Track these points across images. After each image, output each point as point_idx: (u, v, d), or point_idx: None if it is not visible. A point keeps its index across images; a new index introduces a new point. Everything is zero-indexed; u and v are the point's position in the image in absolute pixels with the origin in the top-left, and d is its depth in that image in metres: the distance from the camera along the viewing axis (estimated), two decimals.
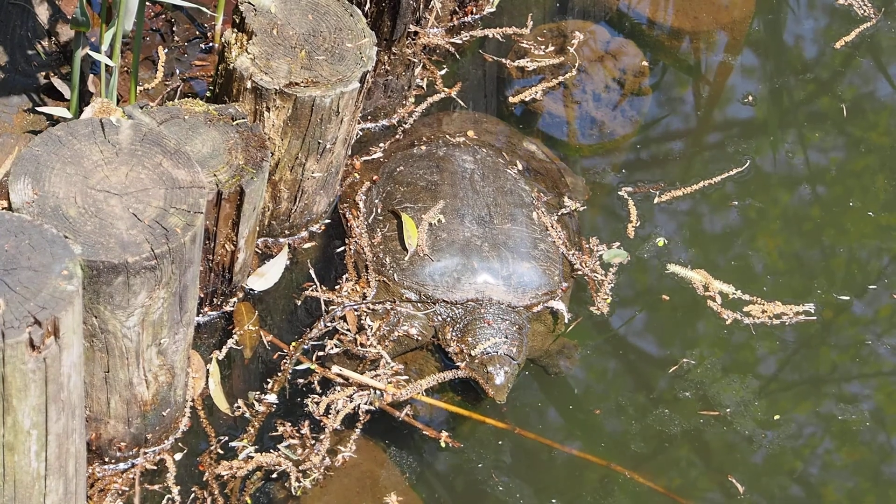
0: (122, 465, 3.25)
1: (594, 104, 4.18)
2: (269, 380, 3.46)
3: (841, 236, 4.03)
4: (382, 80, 3.93)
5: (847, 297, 3.87)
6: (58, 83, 3.63)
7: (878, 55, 4.51)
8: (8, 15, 3.70)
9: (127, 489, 3.23)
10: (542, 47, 4.25)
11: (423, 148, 3.85)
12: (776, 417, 3.62)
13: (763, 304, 3.76)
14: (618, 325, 3.74)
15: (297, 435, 3.37)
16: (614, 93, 4.21)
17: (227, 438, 3.36)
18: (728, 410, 3.59)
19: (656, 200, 3.98)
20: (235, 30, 3.43)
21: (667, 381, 3.64)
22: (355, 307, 3.55)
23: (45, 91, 3.65)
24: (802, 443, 3.61)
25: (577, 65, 4.20)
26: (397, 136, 3.94)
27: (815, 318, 3.77)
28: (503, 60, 4.21)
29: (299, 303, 3.60)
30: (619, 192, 3.98)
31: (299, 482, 3.31)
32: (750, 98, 4.31)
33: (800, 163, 4.19)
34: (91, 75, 3.68)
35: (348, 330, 3.52)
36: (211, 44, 3.97)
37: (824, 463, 3.61)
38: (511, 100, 4.14)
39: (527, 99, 4.14)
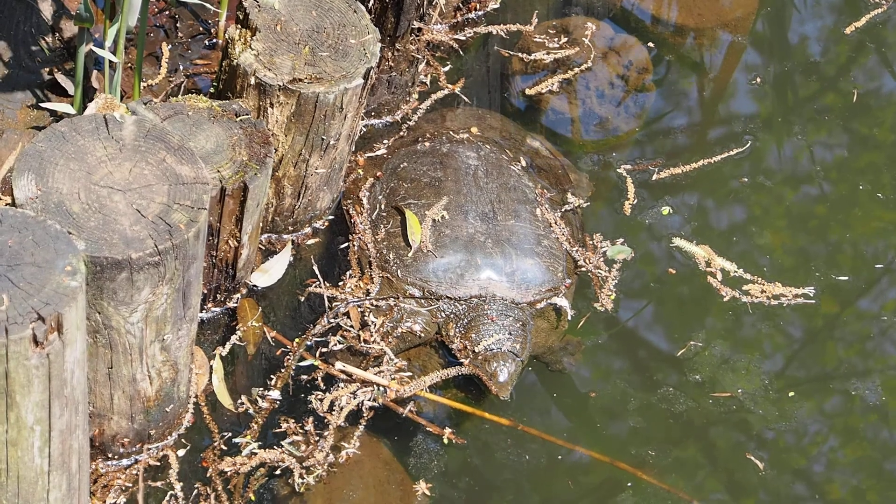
0: (125, 461, 3.25)
1: (598, 100, 4.18)
2: (272, 376, 3.46)
3: (845, 229, 4.03)
4: (386, 77, 3.93)
5: (846, 277, 3.88)
6: (61, 79, 3.63)
7: (886, 49, 4.50)
8: (12, 11, 3.70)
9: (130, 485, 3.23)
10: (555, 41, 4.24)
11: (427, 144, 3.84)
12: (790, 394, 3.62)
13: (763, 284, 3.77)
14: (622, 320, 3.73)
15: (301, 431, 3.37)
16: (618, 89, 4.21)
17: (230, 435, 3.36)
18: (740, 391, 3.60)
19: (654, 178, 3.99)
20: (239, 26, 3.43)
21: (672, 375, 3.64)
22: (359, 303, 3.55)
23: (49, 87, 3.65)
24: (812, 432, 3.61)
25: (591, 56, 4.20)
26: (401, 133, 3.94)
27: (813, 301, 3.78)
28: (519, 54, 4.21)
29: (303, 299, 3.60)
30: (618, 170, 3.99)
31: (303, 479, 3.31)
32: (758, 80, 4.31)
33: (805, 156, 4.19)
34: (95, 71, 3.68)
35: (352, 326, 3.52)
36: (214, 40, 3.97)
37: (829, 454, 3.61)
38: (527, 91, 4.14)
39: (543, 91, 4.14)
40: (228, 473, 3.29)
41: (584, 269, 3.73)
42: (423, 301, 3.55)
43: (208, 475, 3.29)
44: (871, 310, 3.87)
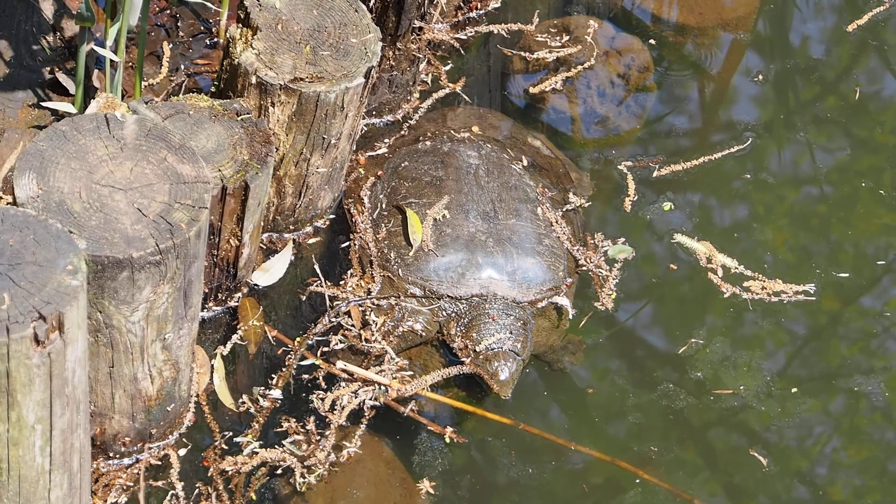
0: (126, 461, 3.25)
1: (599, 100, 4.18)
2: (273, 375, 3.46)
3: (846, 226, 4.03)
4: (387, 76, 3.93)
5: (847, 275, 3.88)
6: (63, 78, 3.63)
7: (888, 48, 4.50)
8: (13, 10, 3.70)
9: (131, 484, 3.23)
10: (556, 40, 4.24)
11: (428, 143, 3.84)
12: (793, 391, 3.62)
13: (763, 281, 3.77)
14: (623, 318, 3.73)
15: (302, 431, 3.37)
16: (619, 88, 4.21)
17: (231, 434, 3.36)
18: (742, 388, 3.60)
19: (655, 174, 3.99)
20: (240, 25, 3.43)
21: (673, 373, 3.63)
22: (360, 302, 3.55)
23: (50, 86, 3.65)
24: (815, 429, 3.61)
25: (593, 55, 4.19)
26: (402, 132, 3.94)
27: (814, 298, 3.78)
28: (520, 53, 4.21)
29: (304, 298, 3.60)
30: (619, 167, 3.99)
31: (304, 478, 3.30)
32: (759, 78, 4.31)
33: (806, 154, 4.19)
34: (96, 70, 3.69)
35: (353, 325, 3.52)
36: (216, 39, 3.97)
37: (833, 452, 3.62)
38: (530, 90, 4.14)
39: (546, 89, 4.14)
40: (230, 473, 3.29)
41: (585, 268, 3.73)
42: (424, 300, 3.55)
43: (209, 474, 3.29)
44: (873, 307, 3.87)
